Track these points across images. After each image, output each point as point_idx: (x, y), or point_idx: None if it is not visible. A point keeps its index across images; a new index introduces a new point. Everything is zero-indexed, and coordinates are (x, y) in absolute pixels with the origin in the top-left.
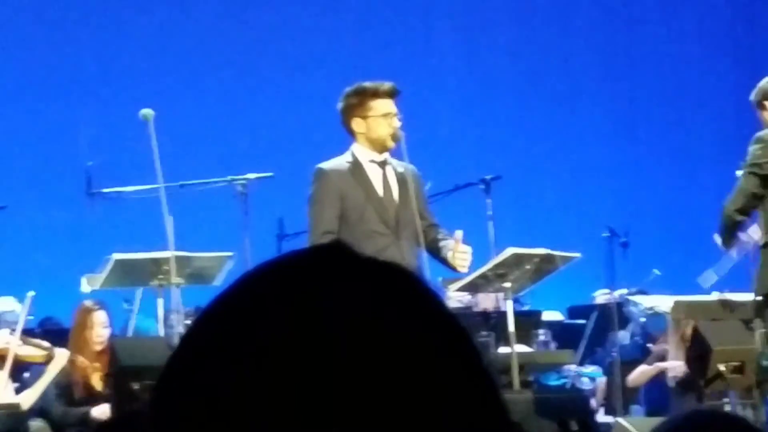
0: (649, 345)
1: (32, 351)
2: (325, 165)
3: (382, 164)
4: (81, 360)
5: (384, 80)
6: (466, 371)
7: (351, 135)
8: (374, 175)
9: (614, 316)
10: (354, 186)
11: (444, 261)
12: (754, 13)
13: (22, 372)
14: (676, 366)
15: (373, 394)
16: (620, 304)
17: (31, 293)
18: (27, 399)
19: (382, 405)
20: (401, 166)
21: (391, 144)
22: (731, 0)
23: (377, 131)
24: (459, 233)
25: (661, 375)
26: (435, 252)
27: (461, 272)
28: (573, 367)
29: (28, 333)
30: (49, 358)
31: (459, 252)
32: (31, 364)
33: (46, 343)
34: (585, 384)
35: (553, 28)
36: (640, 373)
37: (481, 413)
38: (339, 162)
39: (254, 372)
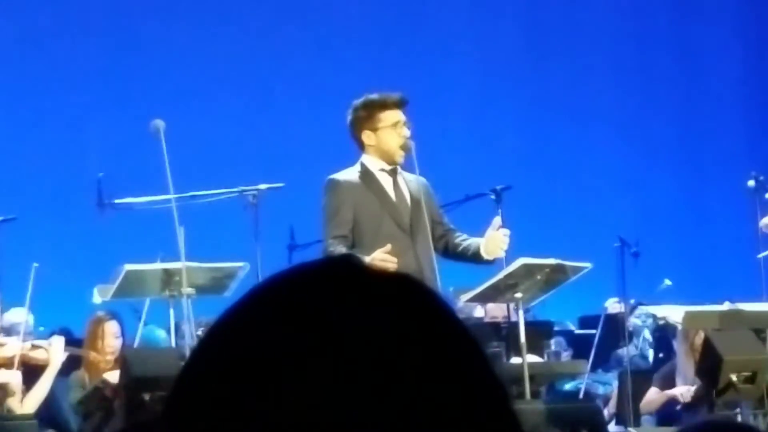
0: (667, 350)
1: (42, 354)
2: (337, 176)
3: (392, 173)
4: (98, 359)
5: (395, 91)
6: (478, 382)
7: (361, 148)
8: (386, 182)
9: (624, 326)
10: (367, 194)
11: (474, 257)
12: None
13: (33, 380)
14: (684, 391)
15: (385, 406)
16: (629, 315)
17: (35, 264)
18: (31, 401)
19: (395, 417)
20: (410, 176)
21: (400, 158)
22: (744, 14)
23: (387, 142)
24: (498, 219)
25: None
26: (462, 252)
27: (500, 256)
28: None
29: None
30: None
31: (500, 234)
32: (42, 367)
33: (44, 343)
34: (599, 389)
35: (565, 38)
36: (651, 401)
37: (493, 424)
38: (350, 173)
39: (265, 386)
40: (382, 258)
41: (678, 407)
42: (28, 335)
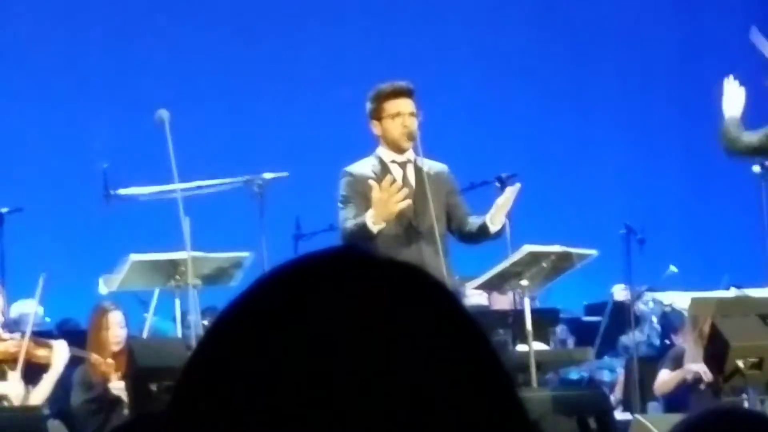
0: (670, 338)
1: (45, 352)
2: (351, 168)
3: (403, 165)
4: (99, 360)
5: (398, 79)
6: (482, 371)
7: (375, 139)
8: (397, 173)
9: (630, 312)
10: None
11: (483, 231)
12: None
13: (39, 375)
14: (707, 370)
15: (389, 396)
16: (635, 301)
17: (43, 275)
18: (37, 396)
19: (399, 407)
20: (427, 164)
21: (405, 144)
22: (746, 8)
23: (390, 132)
24: (511, 189)
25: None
26: (477, 232)
27: (502, 221)
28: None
29: (46, 335)
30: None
31: (501, 200)
32: (46, 365)
33: (51, 341)
34: (605, 375)
35: (568, 27)
36: (666, 381)
37: (498, 413)
38: (364, 164)
39: (271, 376)
40: (387, 191)
41: (693, 387)
42: (35, 326)
